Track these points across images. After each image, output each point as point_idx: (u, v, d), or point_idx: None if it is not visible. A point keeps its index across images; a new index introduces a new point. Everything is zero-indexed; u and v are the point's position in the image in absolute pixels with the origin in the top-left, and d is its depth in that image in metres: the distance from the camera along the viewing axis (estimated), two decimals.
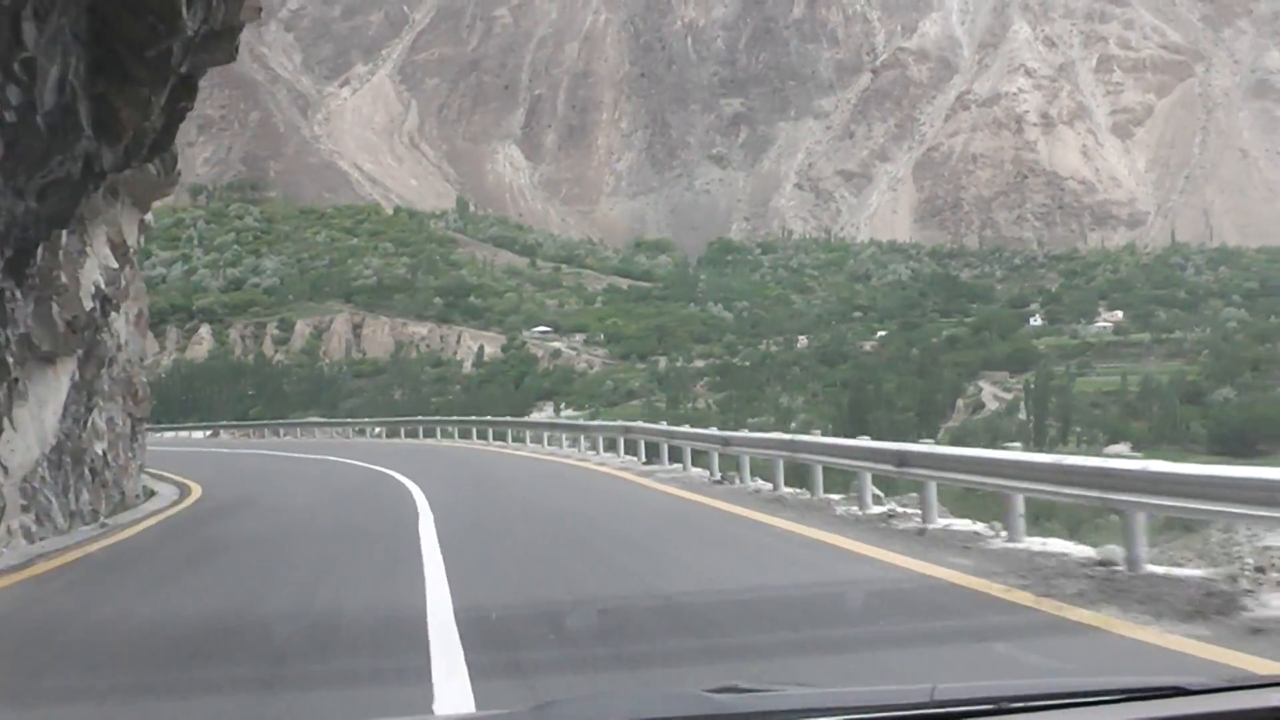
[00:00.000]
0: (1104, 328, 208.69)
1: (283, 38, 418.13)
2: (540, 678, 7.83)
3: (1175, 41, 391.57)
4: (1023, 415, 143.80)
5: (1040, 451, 33.77)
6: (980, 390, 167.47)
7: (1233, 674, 2.64)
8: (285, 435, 77.90)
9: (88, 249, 22.40)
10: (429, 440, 60.61)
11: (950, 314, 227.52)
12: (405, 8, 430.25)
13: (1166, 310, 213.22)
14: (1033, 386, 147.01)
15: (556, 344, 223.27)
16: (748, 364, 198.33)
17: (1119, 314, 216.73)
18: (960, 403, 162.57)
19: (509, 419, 65.84)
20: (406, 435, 65.30)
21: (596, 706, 2.59)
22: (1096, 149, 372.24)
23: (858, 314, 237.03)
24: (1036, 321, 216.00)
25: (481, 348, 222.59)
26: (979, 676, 7.02)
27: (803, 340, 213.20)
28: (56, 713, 7.91)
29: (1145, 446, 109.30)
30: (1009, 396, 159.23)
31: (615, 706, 2.59)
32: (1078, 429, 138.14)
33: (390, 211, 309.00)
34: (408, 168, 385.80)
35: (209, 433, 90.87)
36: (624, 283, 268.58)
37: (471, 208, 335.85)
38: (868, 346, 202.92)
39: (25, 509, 19.98)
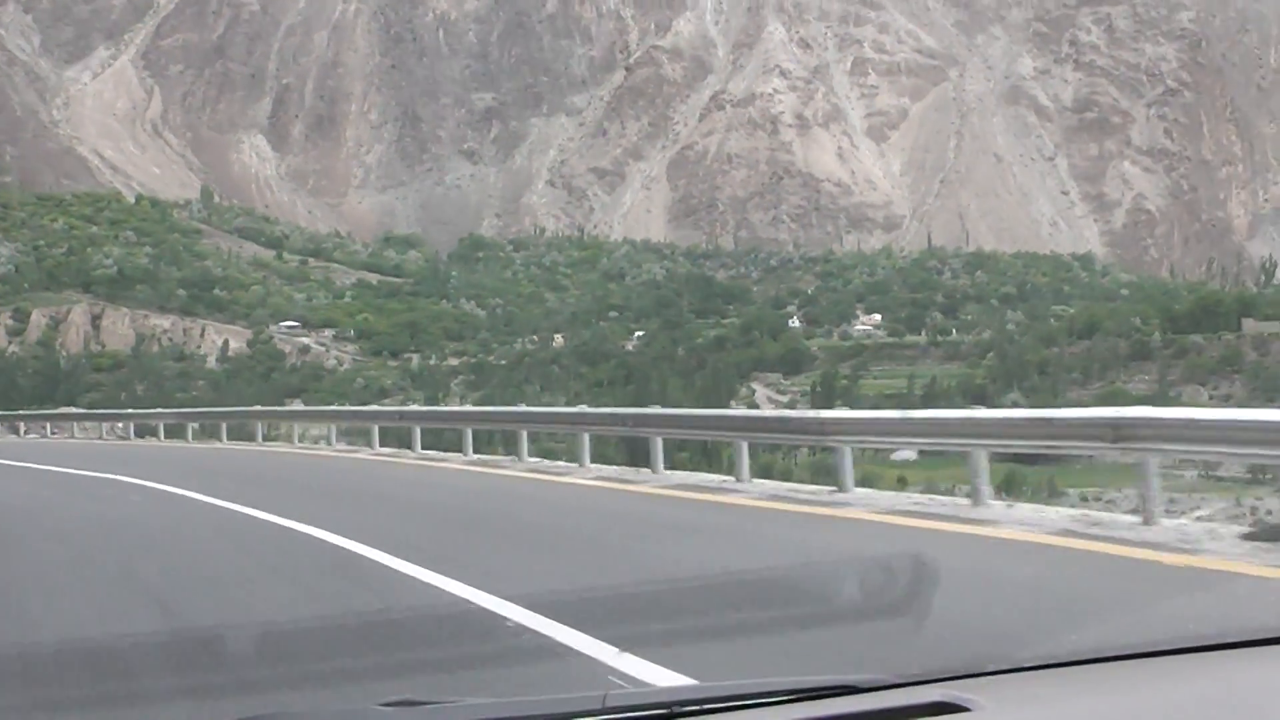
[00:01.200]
0: (864, 330, 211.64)
1: (20, 19, 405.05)
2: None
3: (930, 46, 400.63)
4: None
5: None
6: (754, 391, 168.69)
7: (902, 671, 2.70)
8: None
9: None
10: (174, 442, 50.17)
11: (707, 314, 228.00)
12: None
13: (924, 313, 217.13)
14: (818, 389, 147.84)
15: (305, 339, 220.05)
16: (504, 362, 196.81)
17: (878, 317, 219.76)
18: (734, 404, 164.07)
19: (278, 410, 57.40)
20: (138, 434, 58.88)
21: None
22: (852, 151, 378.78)
23: (613, 313, 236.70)
24: (795, 324, 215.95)
25: (226, 342, 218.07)
26: None
27: (559, 339, 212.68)
28: None
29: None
30: (784, 399, 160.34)
31: None
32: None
33: (132, 200, 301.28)
34: (150, 156, 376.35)
35: None
36: (373, 278, 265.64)
37: (217, 198, 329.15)
38: (629, 345, 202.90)
39: None
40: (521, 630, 8.94)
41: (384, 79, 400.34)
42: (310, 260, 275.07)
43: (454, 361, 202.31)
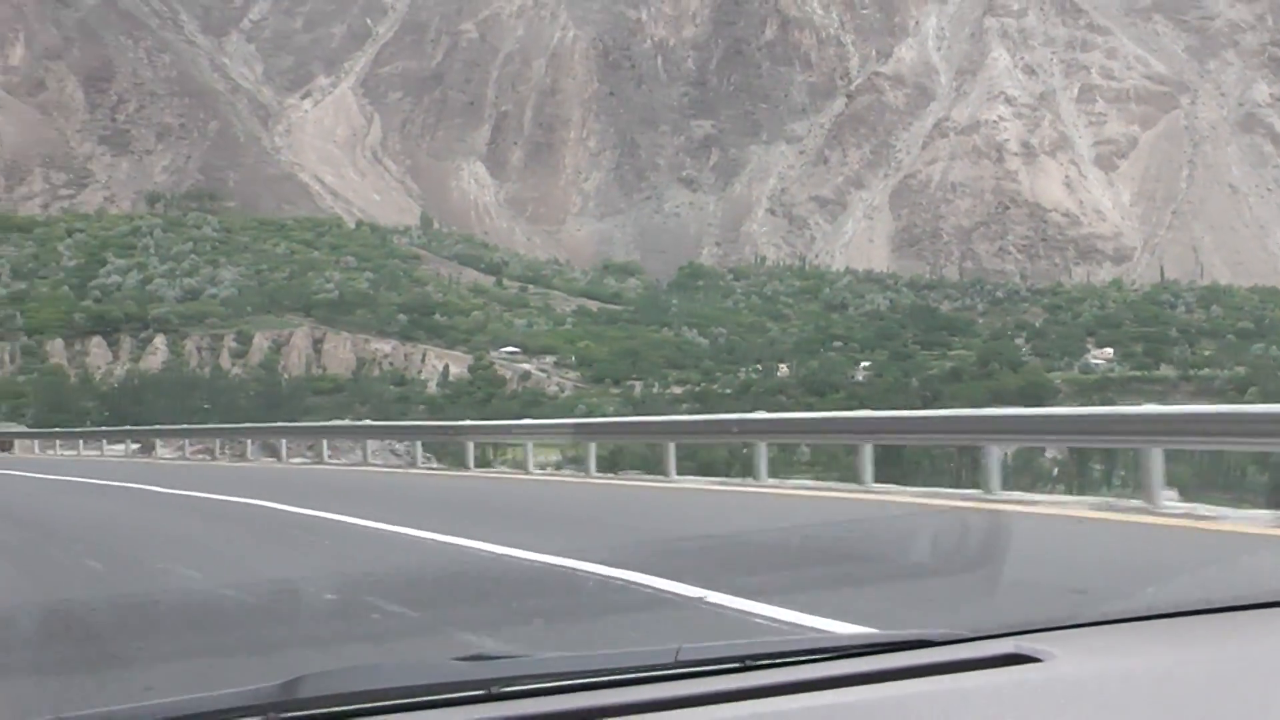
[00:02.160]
0: (1098, 364, 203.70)
1: (244, 48, 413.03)
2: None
3: (1159, 72, 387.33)
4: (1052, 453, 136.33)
5: None
6: None
7: (975, 625, 2.81)
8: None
9: None
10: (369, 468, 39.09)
11: (931, 346, 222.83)
12: (368, 21, 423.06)
13: (1159, 348, 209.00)
14: None
15: (525, 365, 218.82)
16: (728, 391, 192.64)
17: (1110, 351, 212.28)
18: None
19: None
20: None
21: (341, 679, 2.56)
22: (1080, 180, 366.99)
23: (836, 343, 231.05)
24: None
25: (447, 367, 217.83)
26: None
27: (783, 368, 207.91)
28: None
29: (1194, 492, 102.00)
30: None
31: (363, 678, 2.59)
32: (1122, 472, 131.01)
33: (352, 225, 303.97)
34: (370, 182, 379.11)
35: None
36: (593, 305, 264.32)
37: (436, 224, 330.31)
38: (857, 376, 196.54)
39: None
40: None
41: (602, 106, 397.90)
42: (529, 287, 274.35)
43: (677, 390, 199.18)
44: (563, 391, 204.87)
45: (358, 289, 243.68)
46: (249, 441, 50.60)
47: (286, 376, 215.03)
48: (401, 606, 9.24)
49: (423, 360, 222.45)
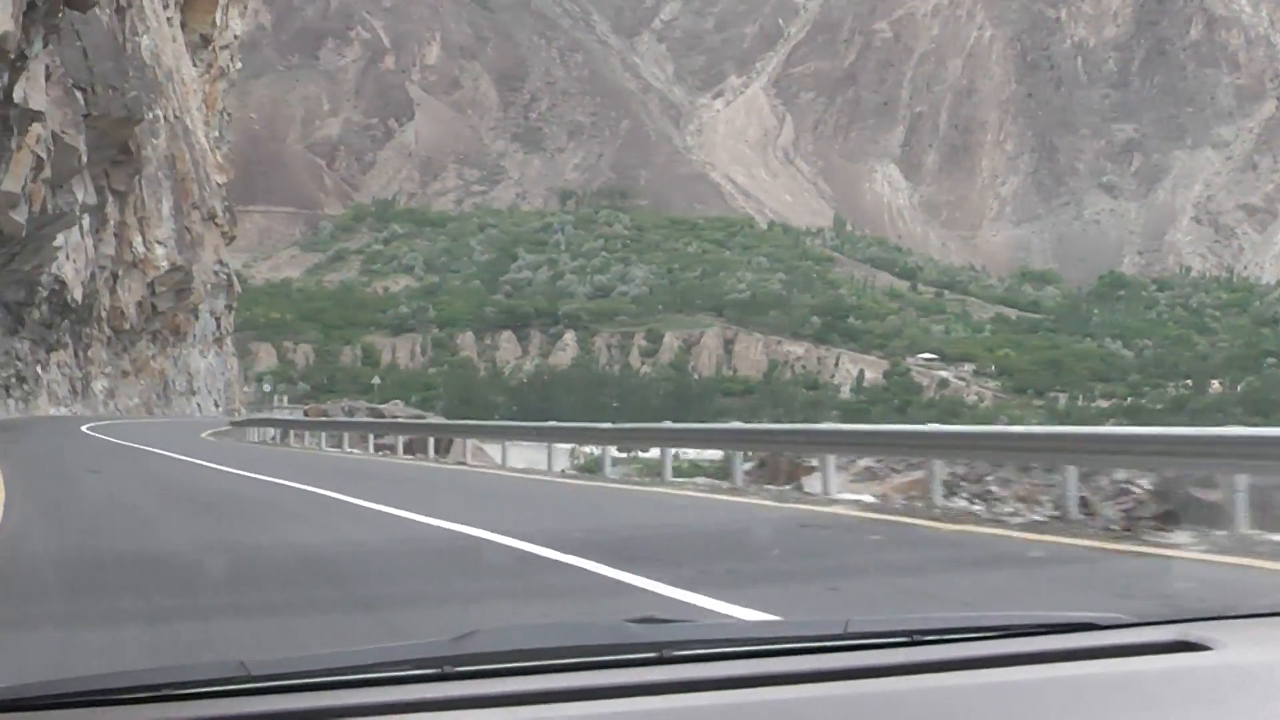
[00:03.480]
0: None
1: (655, 48, 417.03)
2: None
3: None
4: None
5: None
6: None
7: (1144, 611, 3.18)
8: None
9: None
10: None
11: None
12: (780, 20, 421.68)
13: None
14: None
15: (943, 373, 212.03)
16: (1159, 407, 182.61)
17: None
18: None
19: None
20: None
21: (514, 636, 2.62)
22: None
23: (1270, 360, 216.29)
24: None
25: (861, 372, 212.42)
26: None
27: (1215, 385, 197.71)
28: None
29: None
30: None
31: (538, 634, 2.66)
32: None
33: (764, 226, 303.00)
34: (782, 182, 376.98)
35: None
36: (1011, 313, 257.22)
37: (849, 226, 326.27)
38: None
39: None
40: None
41: (1020, 108, 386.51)
42: (945, 292, 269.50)
43: (1103, 404, 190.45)
44: (981, 401, 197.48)
45: (770, 290, 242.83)
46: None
47: (697, 377, 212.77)
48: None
49: (836, 364, 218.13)
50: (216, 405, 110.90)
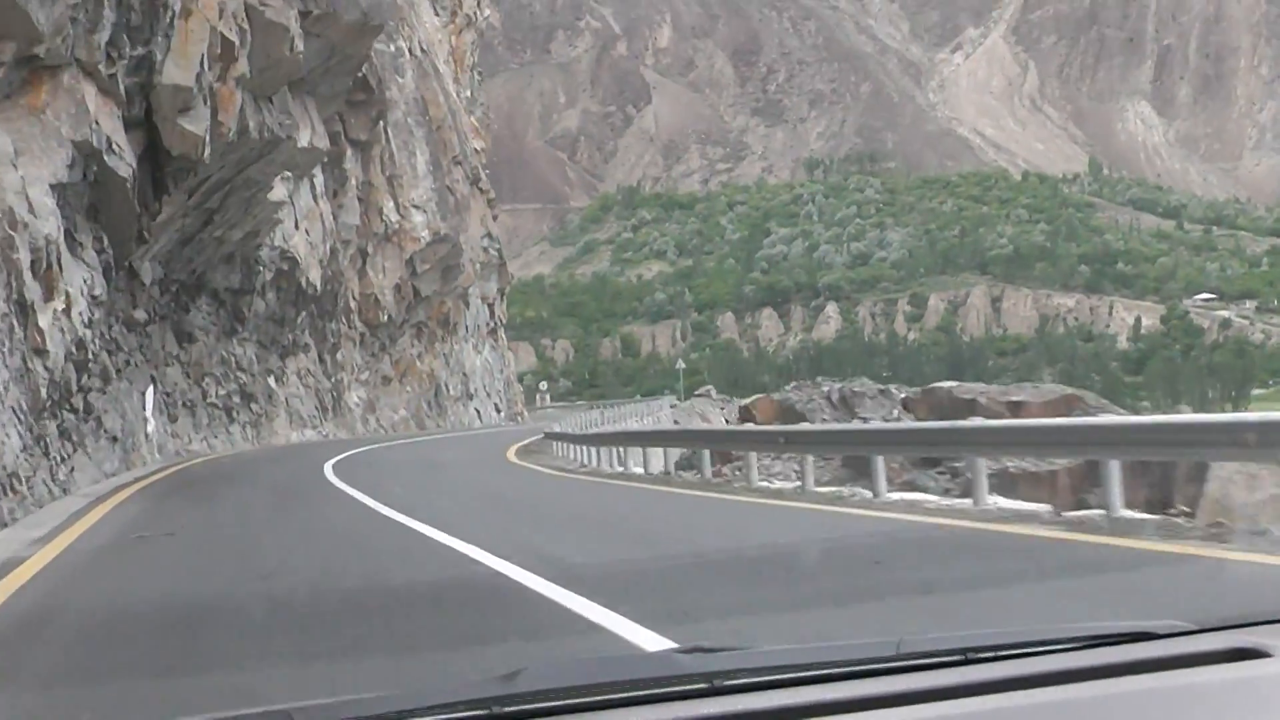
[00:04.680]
0: None
1: (888, 8, 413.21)
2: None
3: None
4: None
5: None
6: None
7: (1200, 618, 2.92)
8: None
9: None
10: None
11: None
12: None
13: None
14: None
15: (1224, 312, 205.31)
16: None
17: None
18: None
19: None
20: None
21: (562, 673, 2.58)
22: None
23: None
24: None
25: (1138, 319, 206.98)
26: None
27: None
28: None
29: None
30: None
31: (586, 670, 2.61)
32: None
33: (1018, 177, 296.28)
34: (1031, 131, 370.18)
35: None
36: None
37: (1105, 169, 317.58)
38: None
39: None
40: None
41: (1272, 29, 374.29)
42: (1213, 229, 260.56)
43: None
44: (1269, 338, 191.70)
45: (1033, 242, 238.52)
46: None
47: (967, 339, 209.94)
48: None
49: (1110, 313, 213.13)
50: (498, 410, 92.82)
